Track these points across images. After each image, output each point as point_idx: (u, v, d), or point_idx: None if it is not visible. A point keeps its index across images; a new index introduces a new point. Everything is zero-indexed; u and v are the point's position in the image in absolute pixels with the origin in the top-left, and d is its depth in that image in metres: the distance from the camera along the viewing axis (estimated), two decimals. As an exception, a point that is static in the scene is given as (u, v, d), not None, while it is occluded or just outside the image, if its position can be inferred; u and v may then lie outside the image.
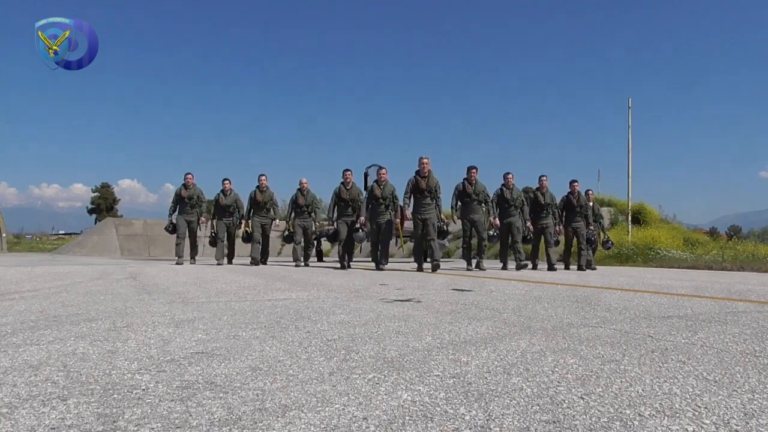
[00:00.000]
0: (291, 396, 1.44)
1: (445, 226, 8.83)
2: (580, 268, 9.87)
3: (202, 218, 10.78)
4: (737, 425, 1.23)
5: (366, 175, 13.28)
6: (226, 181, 10.60)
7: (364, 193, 9.90)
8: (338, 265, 9.48)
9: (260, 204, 10.35)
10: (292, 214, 10.19)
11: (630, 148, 14.77)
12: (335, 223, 9.37)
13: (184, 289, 4.85)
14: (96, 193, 62.44)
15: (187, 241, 10.84)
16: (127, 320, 2.83)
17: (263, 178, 10.45)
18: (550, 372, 1.72)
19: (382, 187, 8.91)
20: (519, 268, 9.20)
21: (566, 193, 10.38)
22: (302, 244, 10.22)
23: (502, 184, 9.75)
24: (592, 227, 10.55)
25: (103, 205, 59.82)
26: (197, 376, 1.64)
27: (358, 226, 9.12)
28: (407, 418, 1.27)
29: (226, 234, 10.61)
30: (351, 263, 9.55)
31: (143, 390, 1.49)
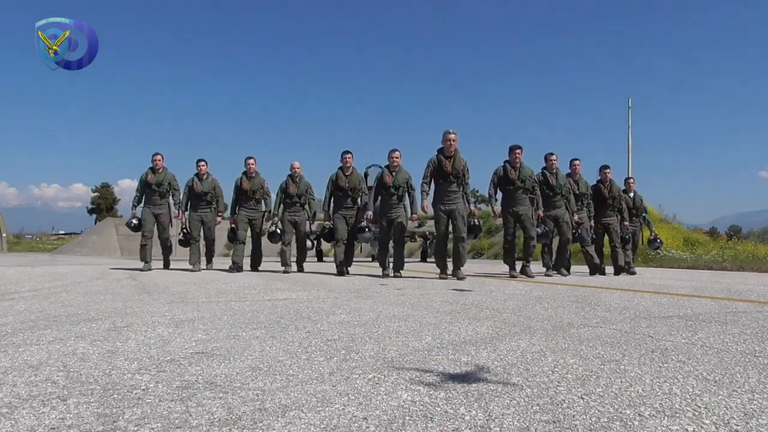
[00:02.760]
0: (291, 396, 1.44)
1: (476, 221, 6.77)
2: (617, 272, 8.10)
3: (175, 212, 8.43)
4: (737, 425, 1.23)
5: (366, 176, 13.06)
6: (202, 163, 8.34)
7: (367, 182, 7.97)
8: (337, 270, 7.59)
9: (248, 194, 8.17)
10: (281, 207, 8.13)
11: (630, 147, 14.78)
12: (332, 218, 7.51)
13: (184, 289, 4.85)
14: (96, 193, 62.52)
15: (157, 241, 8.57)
16: (127, 320, 2.83)
17: (251, 161, 8.24)
18: (550, 372, 1.72)
19: (394, 173, 6.96)
20: (553, 272, 7.49)
21: (595, 182, 8.38)
22: (290, 244, 8.32)
23: (544, 168, 7.68)
24: (627, 223, 8.44)
25: (103, 205, 59.88)
26: (197, 376, 1.65)
27: (364, 224, 7.17)
28: (407, 418, 1.27)
29: (201, 230, 8.42)
30: (349, 268, 7.63)
31: (143, 390, 1.49)
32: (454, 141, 6.45)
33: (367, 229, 7.11)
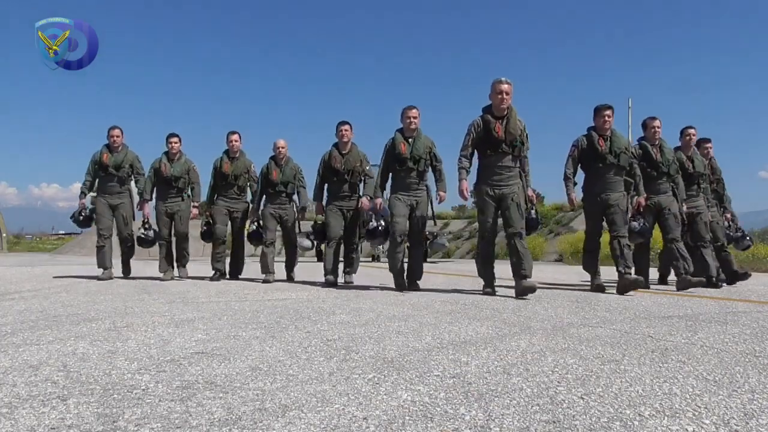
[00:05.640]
0: (291, 396, 1.44)
1: (533, 212, 4.74)
2: (711, 282, 5.39)
3: (141, 204, 6.39)
4: (737, 425, 1.23)
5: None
6: (174, 140, 6.32)
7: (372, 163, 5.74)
8: (325, 279, 5.51)
9: (229, 179, 6.23)
10: (263, 197, 6.20)
11: (629, 146, 14.86)
12: (324, 211, 5.65)
13: (184, 289, 4.85)
14: (96, 193, 62.56)
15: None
16: (127, 320, 2.83)
17: (234, 137, 6.28)
18: (550, 372, 1.72)
19: (410, 142, 4.95)
20: (682, 285, 4.94)
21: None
22: (273, 246, 6.15)
23: (642, 138, 5.53)
24: (730, 214, 6.30)
25: (103, 205, 59.77)
26: (197, 376, 1.65)
27: (374, 224, 5.30)
28: (407, 418, 1.27)
29: (170, 227, 6.33)
30: (352, 275, 5.83)
31: (143, 390, 1.49)
32: (507, 95, 4.37)
33: (379, 227, 5.19)
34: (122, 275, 6.43)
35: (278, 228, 6.22)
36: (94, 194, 6.35)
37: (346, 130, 5.57)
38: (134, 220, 6.48)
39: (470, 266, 11.21)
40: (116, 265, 6.41)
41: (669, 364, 1.84)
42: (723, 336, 2.43)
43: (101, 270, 6.18)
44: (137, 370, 1.73)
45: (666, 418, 1.28)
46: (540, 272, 8.60)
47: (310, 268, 9.12)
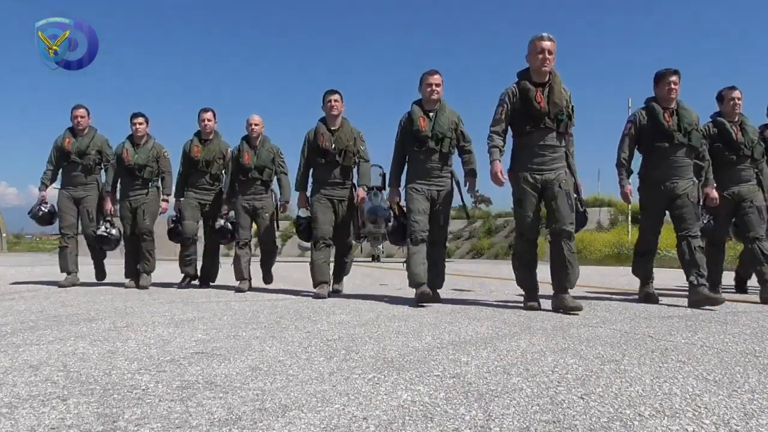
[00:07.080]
0: (291, 396, 1.44)
1: (579, 203, 3.70)
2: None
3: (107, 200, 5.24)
4: (737, 425, 1.23)
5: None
6: (138, 120, 5.22)
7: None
8: (315, 289, 4.34)
9: (200, 166, 5.13)
10: (234, 186, 5.00)
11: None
12: (307, 201, 4.56)
13: (184, 289, 4.85)
14: (96, 193, 62.49)
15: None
16: (127, 320, 2.83)
17: (207, 116, 5.19)
18: (550, 372, 1.72)
19: (432, 116, 3.92)
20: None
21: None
22: (248, 246, 4.97)
23: (717, 114, 4.43)
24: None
25: (103, 205, 59.71)
26: (197, 376, 1.65)
27: (394, 224, 4.21)
28: (407, 418, 1.27)
29: (132, 223, 5.14)
30: (340, 283, 4.71)
31: (143, 390, 1.49)
32: (551, 54, 3.46)
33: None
34: (96, 279, 5.40)
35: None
36: (57, 186, 5.36)
37: (335, 101, 4.40)
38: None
39: (470, 266, 11.20)
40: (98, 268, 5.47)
41: (669, 364, 1.84)
42: (723, 336, 2.43)
43: (63, 275, 5.19)
44: (137, 370, 1.73)
45: (666, 418, 1.28)
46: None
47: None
